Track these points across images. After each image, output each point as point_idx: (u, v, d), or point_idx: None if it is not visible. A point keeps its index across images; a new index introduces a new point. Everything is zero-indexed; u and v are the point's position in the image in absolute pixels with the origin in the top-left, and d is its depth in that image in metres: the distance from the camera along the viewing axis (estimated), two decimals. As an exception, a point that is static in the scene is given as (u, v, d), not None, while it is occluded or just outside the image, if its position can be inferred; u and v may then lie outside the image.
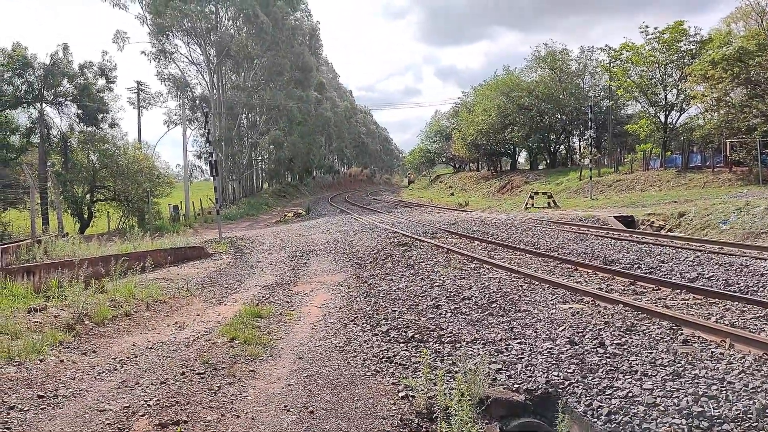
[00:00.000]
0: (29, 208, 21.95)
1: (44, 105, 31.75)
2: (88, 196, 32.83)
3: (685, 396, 5.59)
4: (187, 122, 49.57)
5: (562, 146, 64.93)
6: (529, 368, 6.54)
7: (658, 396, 5.63)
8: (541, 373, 6.37)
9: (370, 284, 12.04)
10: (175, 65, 51.36)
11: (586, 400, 5.70)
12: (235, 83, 55.67)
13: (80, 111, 32.66)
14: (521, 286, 11.14)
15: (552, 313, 8.91)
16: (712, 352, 6.85)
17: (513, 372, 6.45)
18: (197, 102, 53.61)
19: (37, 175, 28.72)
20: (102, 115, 33.73)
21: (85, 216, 32.48)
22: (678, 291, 10.18)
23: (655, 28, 40.67)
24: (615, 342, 7.31)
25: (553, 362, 6.69)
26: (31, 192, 20.56)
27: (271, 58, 52.48)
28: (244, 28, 52.73)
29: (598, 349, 7.10)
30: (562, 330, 7.92)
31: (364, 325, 8.68)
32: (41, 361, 6.78)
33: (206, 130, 28.35)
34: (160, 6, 46.22)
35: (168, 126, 56.75)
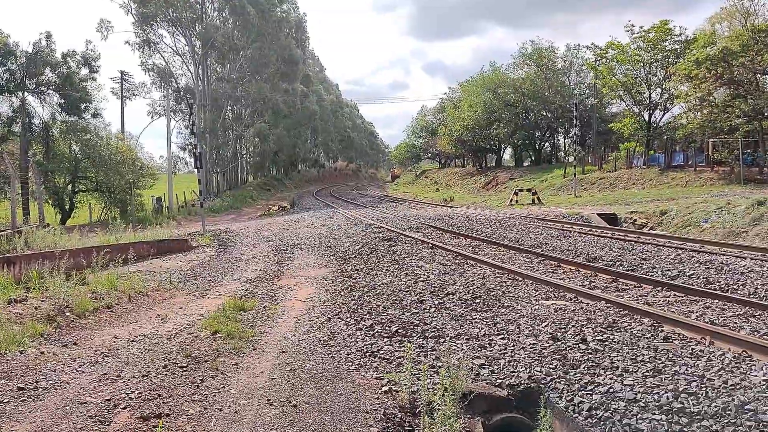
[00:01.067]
0: (9, 198, 21.69)
1: (26, 94, 31.28)
2: (69, 186, 32.45)
3: (666, 392, 5.65)
4: (172, 113, 49.09)
5: (547, 143, 65.36)
6: (511, 363, 6.58)
7: (639, 392, 5.69)
8: (523, 368, 6.41)
9: (355, 279, 12.04)
10: (160, 56, 50.85)
11: (568, 396, 5.74)
12: (220, 75, 55.24)
13: (63, 100, 32.21)
14: (505, 282, 11.20)
15: (535, 309, 8.97)
16: (692, 349, 6.93)
17: (496, 367, 6.49)
18: (182, 93, 53.11)
19: (17, 164, 28.36)
20: (85, 104, 33.27)
21: (67, 207, 32.12)
22: (659, 288, 10.29)
23: (641, 27, 40.99)
24: (597, 338, 7.37)
25: (536, 358, 6.73)
26: (12, 182, 20.31)
27: (256, 50, 52.16)
28: (230, 19, 52.34)
29: (580, 345, 7.16)
30: (545, 326, 7.98)
31: (348, 320, 8.68)
32: (21, 353, 6.70)
33: (191, 122, 28.12)
34: (145, -6, 45.70)
35: (152, 117, 56.20)
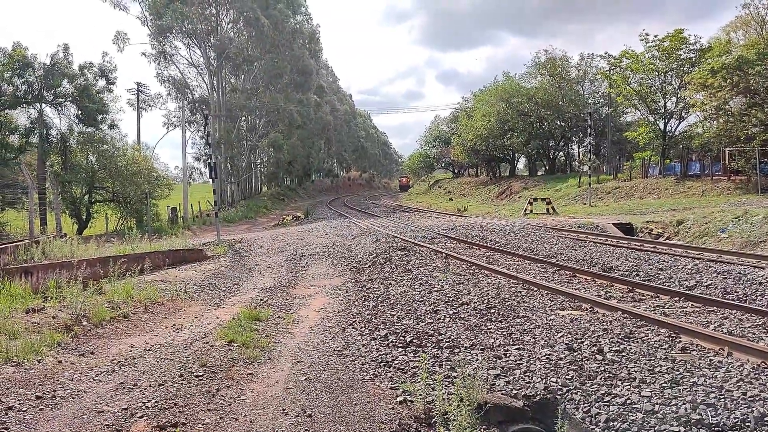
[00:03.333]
0: (27, 208, 21.90)
1: (44, 105, 31.68)
2: (86, 197, 32.77)
3: (684, 403, 5.59)
4: (187, 124, 49.53)
5: (561, 153, 65.04)
6: (527, 374, 6.54)
7: (657, 403, 5.64)
8: (539, 379, 6.37)
9: (369, 288, 12.04)
10: (175, 67, 51.42)
11: (585, 407, 5.70)
12: (234, 86, 55.72)
13: (80, 112, 32.57)
14: (520, 292, 11.14)
15: (550, 320, 8.92)
16: (710, 360, 6.86)
17: (511, 378, 6.45)
18: (197, 104, 53.58)
19: (35, 175, 28.70)
20: (101, 116, 33.61)
21: (84, 217, 32.42)
22: (676, 299, 10.19)
23: (655, 36, 40.80)
24: (613, 349, 7.31)
25: (552, 368, 6.69)
26: (30, 192, 20.52)
27: (270, 60, 52.57)
28: (244, 30, 52.83)
29: (596, 355, 7.10)
30: (561, 336, 7.92)
31: (363, 330, 8.67)
32: (39, 362, 6.76)
33: (205, 133, 28.35)
34: (160, 7, 46.27)
35: (167, 128, 56.80)
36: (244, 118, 57.36)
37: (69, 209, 31.28)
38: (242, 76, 55.95)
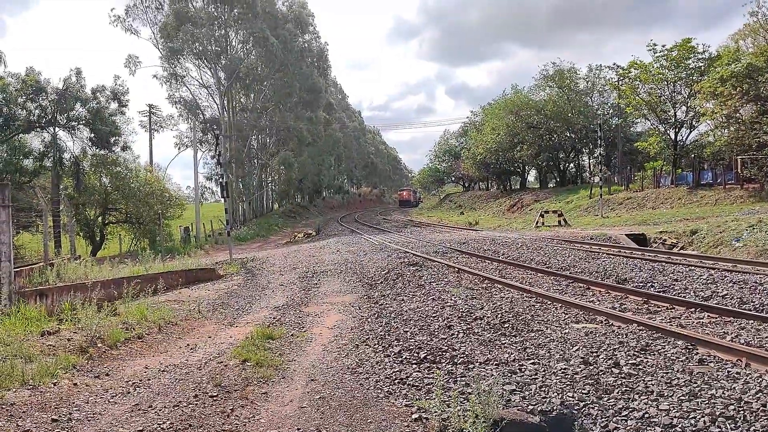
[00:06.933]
0: (42, 231, 22.09)
1: (57, 129, 32.12)
2: (100, 218, 33.05)
3: (702, 416, 5.52)
4: (198, 144, 49.98)
5: (572, 164, 64.92)
6: (543, 389, 6.48)
7: (675, 417, 5.56)
8: (555, 394, 6.31)
9: (382, 305, 12.01)
10: (186, 88, 52.00)
11: (602, 422, 5.63)
12: (244, 105, 56.20)
13: (93, 134, 32.97)
14: (533, 305, 11.08)
15: (565, 333, 8.85)
16: (728, 372, 6.77)
17: (527, 393, 6.40)
18: (208, 124, 54.09)
19: (49, 198, 29.00)
20: (114, 138, 34.02)
21: (97, 238, 32.68)
22: (692, 310, 10.10)
23: (663, 46, 40.77)
24: (630, 362, 7.24)
25: (568, 383, 6.63)
26: (44, 215, 20.70)
27: (280, 80, 53.05)
28: (254, 50, 53.39)
29: (612, 369, 7.03)
30: (576, 350, 7.86)
31: (376, 346, 8.64)
32: (55, 385, 6.79)
33: (217, 152, 28.57)
34: (171, 29, 46.92)
35: (179, 148, 57.32)
36: (254, 136, 57.81)
37: (83, 231, 31.55)
38: (252, 95, 56.48)
